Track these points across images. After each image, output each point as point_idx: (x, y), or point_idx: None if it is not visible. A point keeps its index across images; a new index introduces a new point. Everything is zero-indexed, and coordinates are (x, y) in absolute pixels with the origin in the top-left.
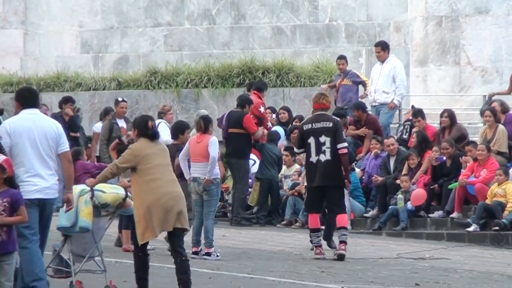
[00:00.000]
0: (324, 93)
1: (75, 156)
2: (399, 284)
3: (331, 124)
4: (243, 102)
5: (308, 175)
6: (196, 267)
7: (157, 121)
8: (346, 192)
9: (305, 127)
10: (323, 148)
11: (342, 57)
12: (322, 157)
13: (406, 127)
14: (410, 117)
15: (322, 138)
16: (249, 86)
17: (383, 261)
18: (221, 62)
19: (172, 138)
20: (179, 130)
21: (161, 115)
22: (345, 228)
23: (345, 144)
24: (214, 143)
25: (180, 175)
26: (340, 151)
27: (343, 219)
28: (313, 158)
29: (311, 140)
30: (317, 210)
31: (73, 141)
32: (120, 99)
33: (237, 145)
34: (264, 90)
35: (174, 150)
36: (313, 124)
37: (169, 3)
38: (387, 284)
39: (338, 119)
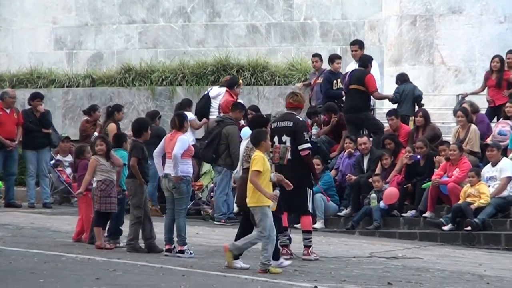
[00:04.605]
0: (295, 92)
1: (77, 154)
2: (371, 283)
3: (291, 124)
4: (365, 61)
5: None
6: (170, 265)
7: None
8: (311, 192)
9: (272, 126)
10: None
11: (316, 55)
12: None
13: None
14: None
15: (284, 138)
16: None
17: (356, 260)
18: (195, 60)
19: (135, 136)
20: (143, 127)
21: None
22: (308, 231)
23: (306, 145)
24: (180, 141)
25: (131, 176)
26: (301, 153)
27: (306, 222)
28: None
29: (276, 139)
30: (282, 209)
31: (45, 137)
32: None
33: (355, 101)
34: (235, 86)
35: (131, 146)
36: (278, 123)
37: (144, 0)
38: (359, 283)
39: (302, 119)
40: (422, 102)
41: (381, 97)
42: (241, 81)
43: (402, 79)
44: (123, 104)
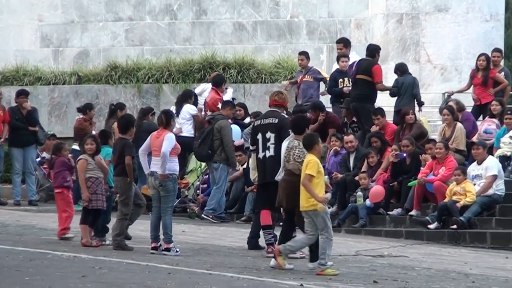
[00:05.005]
0: (280, 91)
1: (54, 151)
2: (357, 281)
3: (276, 121)
4: (373, 51)
5: (258, 171)
6: (155, 263)
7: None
8: None
9: (256, 124)
10: (268, 144)
11: (302, 53)
12: (267, 153)
13: (355, 129)
14: (354, 119)
15: (268, 134)
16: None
17: (341, 258)
18: (182, 58)
19: (121, 132)
20: (130, 123)
21: None
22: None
23: None
24: (168, 139)
25: (120, 173)
26: None
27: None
28: (260, 154)
29: (259, 136)
30: (266, 206)
31: (32, 135)
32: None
33: (362, 90)
34: (222, 84)
35: (122, 144)
36: (262, 120)
37: None
38: (345, 281)
39: (287, 116)
40: (422, 100)
41: (384, 89)
42: (226, 79)
43: (402, 69)
44: (109, 102)
